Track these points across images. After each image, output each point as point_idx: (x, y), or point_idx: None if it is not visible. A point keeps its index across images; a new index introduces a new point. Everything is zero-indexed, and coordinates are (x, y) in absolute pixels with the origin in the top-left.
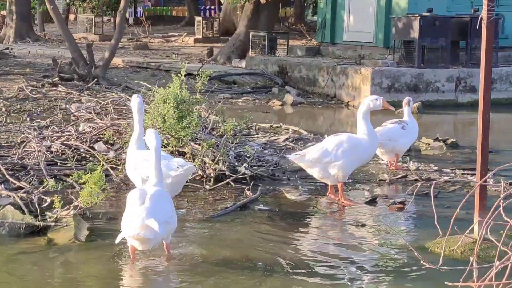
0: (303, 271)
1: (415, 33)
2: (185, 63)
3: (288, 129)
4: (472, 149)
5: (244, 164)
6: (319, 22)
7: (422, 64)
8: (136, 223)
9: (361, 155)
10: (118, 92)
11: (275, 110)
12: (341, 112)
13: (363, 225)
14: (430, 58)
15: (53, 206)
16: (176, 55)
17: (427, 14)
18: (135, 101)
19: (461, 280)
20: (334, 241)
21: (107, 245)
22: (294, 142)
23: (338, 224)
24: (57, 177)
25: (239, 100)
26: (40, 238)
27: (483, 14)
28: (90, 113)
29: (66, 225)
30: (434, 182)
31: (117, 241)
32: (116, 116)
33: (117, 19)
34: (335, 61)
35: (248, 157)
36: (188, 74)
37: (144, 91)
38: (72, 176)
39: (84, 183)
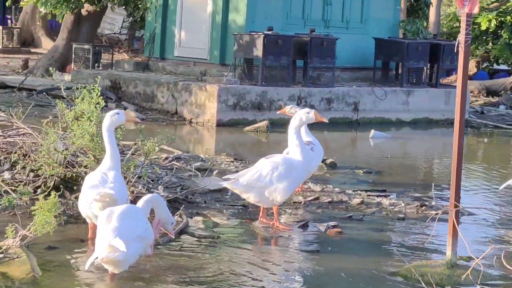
0: None
1: (258, 51)
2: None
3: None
4: (350, 169)
5: (160, 186)
6: (147, 37)
7: (263, 83)
8: (103, 245)
9: (297, 177)
10: None
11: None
12: (185, 129)
13: (317, 251)
14: (269, 76)
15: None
16: None
17: (270, 32)
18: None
19: None
20: (294, 268)
21: (66, 276)
22: (175, 161)
23: (287, 250)
24: None
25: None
26: None
27: (461, 37)
28: None
29: (17, 257)
30: (457, 208)
31: (86, 267)
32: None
33: None
34: (176, 77)
35: (152, 180)
36: (9, 87)
37: None
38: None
39: (34, 210)
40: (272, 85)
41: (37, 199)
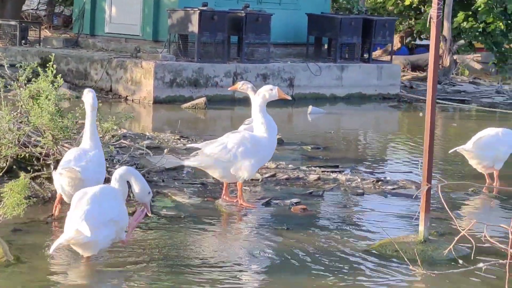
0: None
1: (194, 27)
2: None
3: None
4: (298, 145)
5: (117, 165)
6: (76, 13)
7: (199, 59)
8: (70, 228)
9: (264, 154)
10: None
11: None
12: (121, 106)
13: (286, 228)
14: (203, 53)
15: None
16: None
17: (205, 8)
18: (88, 96)
19: None
20: (264, 245)
21: (40, 259)
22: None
23: (256, 228)
24: None
25: (9, 94)
26: None
27: (432, 12)
28: None
29: None
30: (441, 184)
31: (51, 250)
32: None
33: None
34: (108, 54)
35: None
36: None
37: None
38: None
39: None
40: (208, 62)
41: None
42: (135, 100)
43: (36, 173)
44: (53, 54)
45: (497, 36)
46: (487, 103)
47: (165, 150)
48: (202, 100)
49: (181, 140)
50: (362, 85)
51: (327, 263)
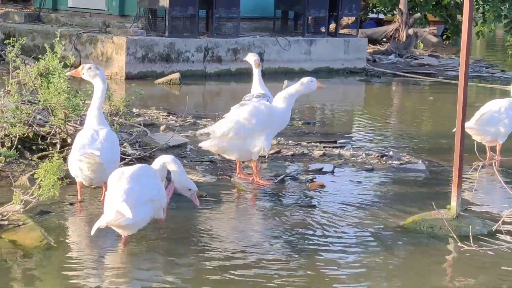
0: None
1: (164, 1)
2: None
3: None
4: None
5: (126, 143)
6: None
7: (170, 34)
8: (110, 209)
9: (278, 124)
10: None
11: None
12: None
13: (312, 206)
14: (173, 27)
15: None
16: None
17: None
18: (99, 73)
19: None
20: (299, 222)
21: (78, 242)
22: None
23: (282, 205)
24: None
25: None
26: None
27: None
28: None
29: (23, 224)
30: (496, 159)
31: (92, 231)
32: None
33: None
34: (74, 29)
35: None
36: None
37: None
38: None
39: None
40: (179, 37)
41: None
42: (106, 76)
43: (53, 152)
44: (59, 30)
45: (452, 9)
46: (453, 76)
47: (161, 127)
48: (176, 75)
49: (170, 116)
50: (329, 59)
51: (362, 240)
